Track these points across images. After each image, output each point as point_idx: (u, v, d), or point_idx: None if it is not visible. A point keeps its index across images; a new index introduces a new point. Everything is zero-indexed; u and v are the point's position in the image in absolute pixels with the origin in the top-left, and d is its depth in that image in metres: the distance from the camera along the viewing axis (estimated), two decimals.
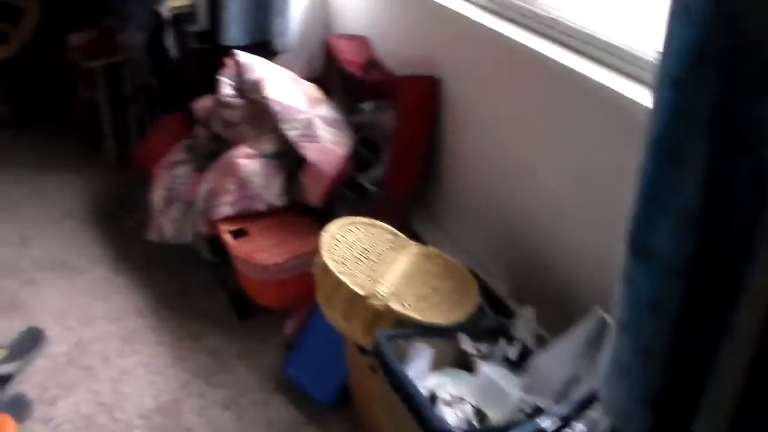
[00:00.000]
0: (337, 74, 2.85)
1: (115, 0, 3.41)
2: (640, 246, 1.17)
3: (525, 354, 1.82)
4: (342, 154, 2.60)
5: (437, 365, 1.81)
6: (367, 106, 2.71)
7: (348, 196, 2.68)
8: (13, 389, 2.57)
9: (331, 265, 2.03)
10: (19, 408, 2.48)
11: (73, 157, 4.07)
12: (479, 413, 1.67)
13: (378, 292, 1.95)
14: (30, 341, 2.75)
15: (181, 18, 3.17)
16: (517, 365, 1.81)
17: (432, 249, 2.17)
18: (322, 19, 3.22)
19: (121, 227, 3.40)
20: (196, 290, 3.01)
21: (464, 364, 1.84)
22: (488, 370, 1.74)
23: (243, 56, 2.87)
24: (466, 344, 1.85)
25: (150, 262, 3.17)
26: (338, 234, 2.17)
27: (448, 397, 1.67)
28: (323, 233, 2.16)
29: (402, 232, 2.32)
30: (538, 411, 1.64)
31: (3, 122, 4.40)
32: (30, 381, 2.61)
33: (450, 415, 1.64)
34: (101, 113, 3.92)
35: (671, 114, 1.08)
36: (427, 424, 1.58)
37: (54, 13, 4.08)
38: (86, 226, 3.48)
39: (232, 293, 2.84)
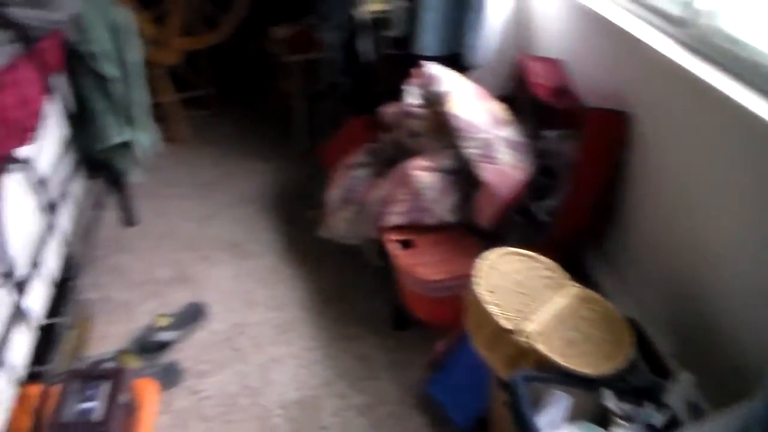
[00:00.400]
0: (526, 96, 2.78)
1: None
2: None
3: (673, 424, 1.68)
4: (518, 179, 2.53)
5: (574, 416, 1.71)
6: (551, 132, 2.62)
7: (519, 222, 2.61)
8: (169, 357, 2.70)
9: (482, 294, 1.98)
10: (170, 375, 2.60)
11: (265, 145, 4.24)
12: None
13: (524, 329, 1.87)
14: (193, 314, 2.88)
15: (378, 23, 3.21)
16: None
17: (591, 293, 2.05)
18: (518, 37, 3.15)
19: (298, 219, 3.48)
20: (358, 292, 3.03)
21: (603, 421, 1.72)
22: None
23: (432, 67, 2.86)
24: (610, 401, 1.73)
25: (318, 258, 3.23)
26: (495, 262, 2.11)
27: None
28: (480, 259, 2.10)
29: (570, 268, 2.23)
30: None
31: (206, 104, 4.66)
32: (186, 352, 2.73)
33: None
34: (295, 106, 4.04)
35: None
36: None
37: (261, 5, 4.27)
38: (265, 213, 3.61)
39: (392, 302, 2.83)
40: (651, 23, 2.37)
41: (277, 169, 4.00)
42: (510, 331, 1.89)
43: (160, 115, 4.29)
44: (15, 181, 2.05)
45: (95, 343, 2.78)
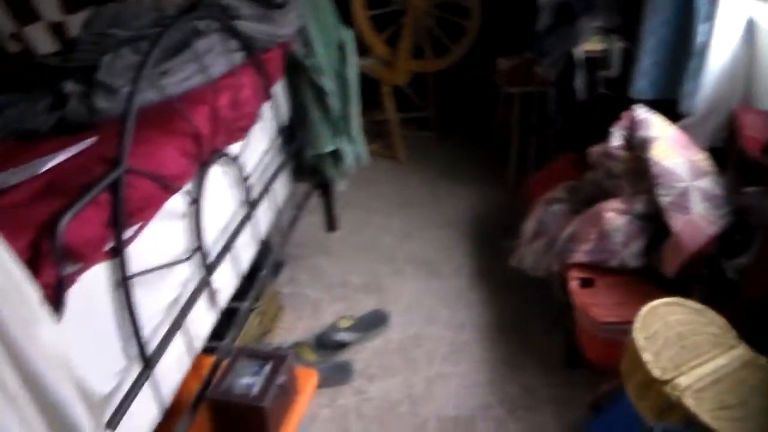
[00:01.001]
0: (735, 149, 2.66)
1: (538, 33, 3.52)
2: None
3: None
4: (709, 233, 2.43)
5: None
6: (753, 189, 2.49)
7: (706, 277, 2.50)
8: (344, 356, 2.84)
9: (639, 340, 1.93)
10: (342, 373, 2.75)
11: (477, 173, 4.32)
12: None
13: (677, 382, 1.81)
14: (375, 321, 3.02)
15: (594, 62, 3.20)
16: None
17: (760, 358, 1.94)
18: (738, 88, 3.00)
19: (494, 248, 3.53)
20: (536, 325, 3.03)
21: None
22: None
23: (641, 112, 2.81)
24: None
25: (505, 287, 3.27)
26: (661, 310, 2.04)
27: None
28: (645, 306, 2.05)
29: (758, 332, 2.10)
30: None
31: (426, 126, 4.83)
32: (360, 354, 2.87)
33: None
34: (512, 137, 4.09)
35: None
36: None
37: (492, 35, 4.37)
38: (463, 237, 3.69)
39: (568, 338, 2.80)
40: None
41: (484, 197, 4.06)
42: (661, 382, 1.83)
43: (380, 131, 4.54)
44: (221, 174, 2.26)
45: (282, 333, 3.00)
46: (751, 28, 2.96)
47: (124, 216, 1.62)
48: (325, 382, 2.71)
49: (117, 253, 1.62)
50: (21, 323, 1.10)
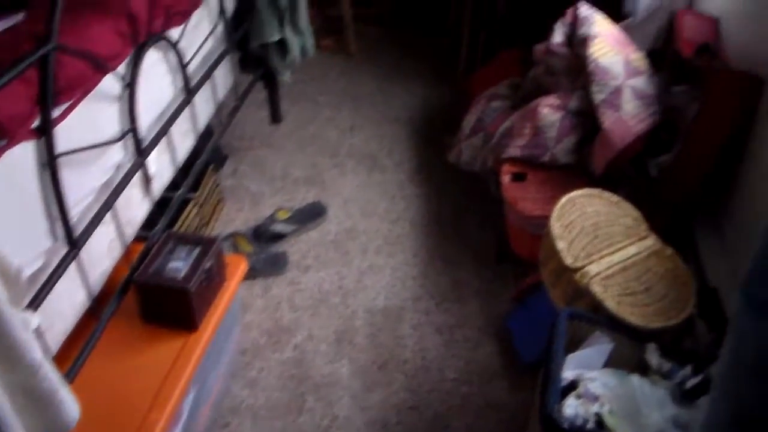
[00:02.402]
0: (670, 51, 2.67)
1: None
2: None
3: (704, 389, 1.63)
4: (637, 131, 2.46)
5: (614, 363, 1.70)
6: (680, 87, 2.51)
7: (632, 175, 2.55)
8: (280, 248, 2.88)
9: (554, 229, 1.98)
10: (276, 263, 2.78)
11: (429, 68, 4.30)
12: (599, 421, 1.55)
13: (587, 270, 1.87)
14: (312, 213, 3.04)
15: None
16: (690, 398, 1.63)
17: (668, 249, 2.00)
18: None
19: (436, 143, 3.54)
20: (470, 220, 3.07)
21: (642, 374, 1.70)
22: (636, 383, 1.61)
23: (585, 9, 2.79)
24: (652, 356, 1.70)
25: (444, 182, 3.30)
26: (578, 200, 2.09)
27: (584, 391, 1.57)
28: (564, 196, 2.10)
29: (675, 228, 2.16)
30: None
31: (383, 20, 4.76)
32: (296, 246, 2.90)
33: (570, 408, 1.55)
34: (462, 33, 4.06)
35: None
36: (542, 403, 1.53)
37: None
38: (408, 132, 3.69)
39: (499, 233, 2.86)
40: None
41: (433, 93, 4.05)
42: (572, 269, 1.89)
43: (334, 26, 4.47)
44: (159, 58, 2.23)
45: (221, 224, 3.02)
46: None
47: (52, 94, 1.60)
48: (259, 273, 2.75)
49: (44, 132, 1.62)
50: None
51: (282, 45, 3.11)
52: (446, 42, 4.41)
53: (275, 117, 3.63)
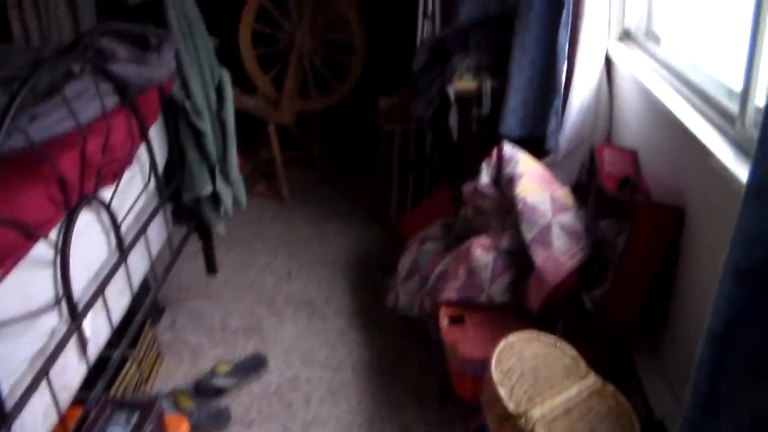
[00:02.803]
0: (594, 185, 2.78)
1: (414, 73, 3.60)
2: None
3: None
4: (569, 267, 2.52)
5: None
6: (607, 222, 2.61)
7: (568, 309, 2.59)
8: (223, 402, 2.81)
9: (495, 375, 1.99)
10: (219, 419, 2.71)
11: (362, 211, 4.37)
12: None
13: (530, 415, 1.87)
14: (253, 365, 2.99)
15: (467, 101, 3.29)
16: None
17: (609, 387, 2.02)
18: (601, 125, 3.14)
19: (374, 287, 3.56)
20: (412, 364, 3.05)
21: None
22: None
23: (508, 149, 2.90)
24: None
25: (383, 324, 3.29)
26: (516, 344, 2.12)
27: None
28: (502, 341, 2.12)
29: (615, 360, 2.18)
30: None
31: (314, 164, 4.86)
32: (238, 399, 2.84)
33: None
34: (393, 175, 4.16)
35: None
36: None
37: (373, 75, 4.45)
38: (345, 276, 3.71)
39: (442, 376, 2.85)
40: (708, 118, 2.31)
41: (367, 235, 4.10)
42: (515, 415, 1.89)
43: (265, 171, 4.54)
44: (91, 219, 2.23)
45: (160, 380, 2.94)
46: (609, 66, 3.11)
47: None
48: (202, 430, 2.67)
49: None
50: None
51: (214, 196, 3.15)
52: (377, 184, 4.50)
53: (211, 268, 3.62)
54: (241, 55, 4.45)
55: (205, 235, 3.45)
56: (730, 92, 2.23)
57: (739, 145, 2.06)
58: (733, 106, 2.16)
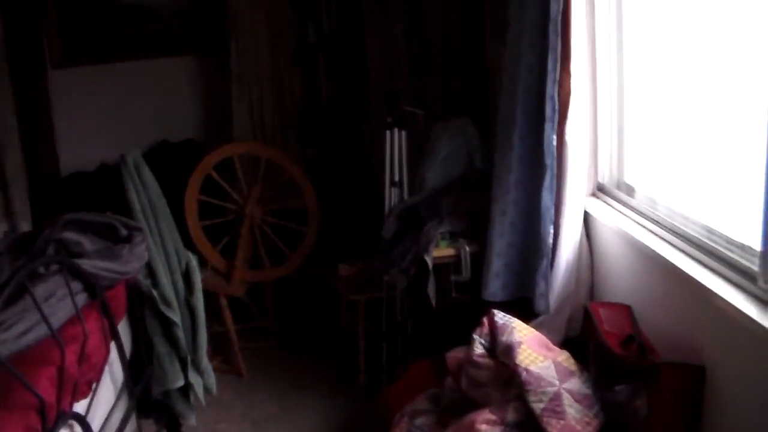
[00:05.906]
0: (594, 345, 2.70)
1: (386, 243, 3.52)
2: None
3: None
4: None
5: None
6: (622, 386, 2.51)
7: None
8: None
9: None
10: None
11: (327, 382, 4.15)
12: None
13: None
14: None
15: (445, 267, 3.22)
16: None
17: None
18: (581, 280, 3.11)
19: None
20: None
21: None
22: None
23: (500, 317, 2.82)
24: None
25: None
26: None
27: None
28: None
29: None
30: None
31: (270, 335, 4.66)
32: None
33: None
34: (359, 345, 4.00)
35: None
36: None
37: (329, 241, 4.36)
38: None
39: None
40: (722, 275, 2.28)
41: (338, 408, 3.88)
42: None
43: (219, 345, 4.32)
44: None
45: None
46: (586, 221, 3.10)
47: None
48: None
49: None
50: None
51: (185, 387, 2.95)
52: (340, 354, 4.32)
53: None
54: (188, 226, 4.29)
55: (175, 429, 3.18)
56: (730, 241, 2.29)
57: (759, 299, 2.05)
58: (735, 256, 2.22)
